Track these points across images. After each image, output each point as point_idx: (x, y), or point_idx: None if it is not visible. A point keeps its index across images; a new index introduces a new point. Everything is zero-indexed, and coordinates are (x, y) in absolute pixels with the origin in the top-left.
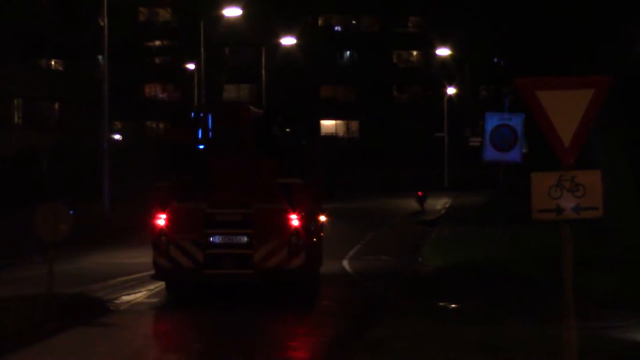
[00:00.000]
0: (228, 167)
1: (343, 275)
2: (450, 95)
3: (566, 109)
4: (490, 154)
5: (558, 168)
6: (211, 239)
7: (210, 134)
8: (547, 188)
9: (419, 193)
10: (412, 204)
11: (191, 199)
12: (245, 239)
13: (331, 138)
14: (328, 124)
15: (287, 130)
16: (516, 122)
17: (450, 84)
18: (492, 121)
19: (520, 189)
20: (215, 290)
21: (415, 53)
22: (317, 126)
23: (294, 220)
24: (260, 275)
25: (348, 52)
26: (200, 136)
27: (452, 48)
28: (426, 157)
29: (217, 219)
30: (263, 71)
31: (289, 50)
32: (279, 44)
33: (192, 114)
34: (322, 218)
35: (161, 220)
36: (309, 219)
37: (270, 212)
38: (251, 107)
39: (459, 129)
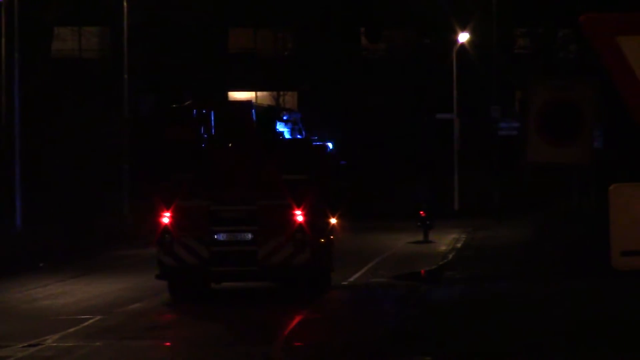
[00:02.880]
0: (231, 163)
1: None
2: (463, 45)
3: None
4: (538, 149)
5: None
6: (216, 236)
7: (213, 130)
8: (638, 212)
9: (421, 213)
10: (392, 243)
11: (195, 196)
12: (249, 235)
13: None
14: (243, 98)
15: (291, 124)
16: (581, 92)
17: (463, 27)
18: (540, 93)
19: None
20: None
21: None
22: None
23: (299, 216)
24: (265, 272)
25: None
26: (202, 133)
27: None
28: (420, 157)
29: (221, 216)
30: (124, 3)
31: None
32: None
33: (194, 111)
34: (333, 220)
35: (165, 218)
36: (315, 216)
37: (274, 208)
38: (254, 102)
39: (480, 107)
